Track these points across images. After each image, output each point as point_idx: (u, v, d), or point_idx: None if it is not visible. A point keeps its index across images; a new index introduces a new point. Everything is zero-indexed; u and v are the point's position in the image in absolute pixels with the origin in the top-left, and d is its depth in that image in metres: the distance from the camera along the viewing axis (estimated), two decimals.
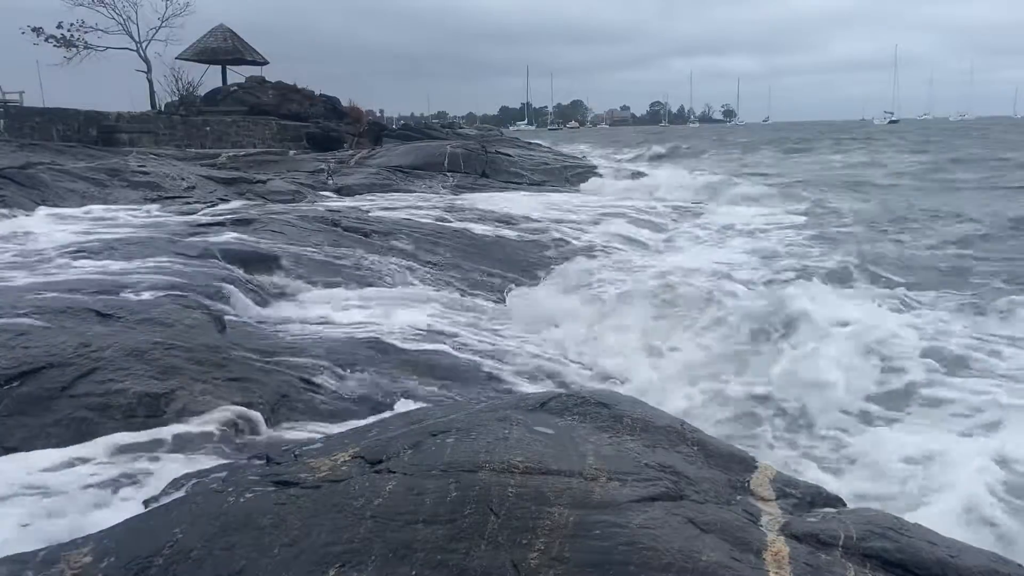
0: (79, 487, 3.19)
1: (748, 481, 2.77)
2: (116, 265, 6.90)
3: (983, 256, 10.52)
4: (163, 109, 28.02)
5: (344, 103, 30.41)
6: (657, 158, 35.52)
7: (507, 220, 12.56)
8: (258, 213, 10.73)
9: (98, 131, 23.19)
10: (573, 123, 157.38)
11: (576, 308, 7.22)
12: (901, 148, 38.35)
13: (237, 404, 4.17)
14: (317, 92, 30.08)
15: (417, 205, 13.73)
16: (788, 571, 2.21)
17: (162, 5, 30.16)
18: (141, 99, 31.21)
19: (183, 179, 14.75)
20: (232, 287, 6.48)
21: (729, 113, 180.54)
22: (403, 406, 4.39)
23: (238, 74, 31.62)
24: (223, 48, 30.63)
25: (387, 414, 4.15)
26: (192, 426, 3.94)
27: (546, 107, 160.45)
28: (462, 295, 7.79)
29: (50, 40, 28.61)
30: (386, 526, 2.31)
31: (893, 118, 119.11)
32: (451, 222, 11.80)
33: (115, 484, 3.25)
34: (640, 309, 6.97)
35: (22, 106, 24.56)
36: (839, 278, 8.99)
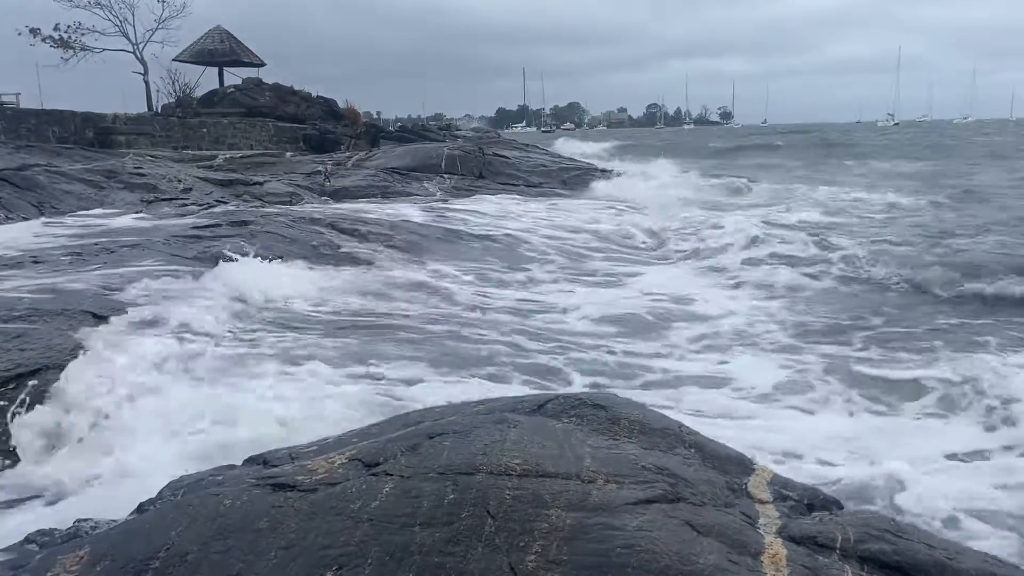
0: (76, 490, 3.18)
1: (746, 483, 2.76)
2: (112, 267, 6.89)
3: None
4: (160, 111, 27.99)
5: (341, 105, 30.39)
6: None
7: None
8: (254, 215, 10.72)
9: (95, 133, 23.14)
10: (569, 125, 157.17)
11: None
12: None
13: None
14: (314, 94, 30.06)
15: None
16: (786, 573, 2.21)
17: (159, 7, 30.17)
18: (138, 101, 31.23)
19: (180, 181, 14.74)
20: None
21: (726, 115, 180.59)
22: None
23: (235, 76, 31.62)
24: (220, 50, 30.60)
25: (384, 416, 4.14)
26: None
27: (542, 109, 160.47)
28: None
29: (47, 41, 28.59)
30: (383, 529, 2.30)
31: (894, 120, 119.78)
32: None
33: (112, 487, 3.24)
34: None
35: (18, 108, 24.51)
36: None
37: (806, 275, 8.96)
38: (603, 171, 22.64)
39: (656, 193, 18.83)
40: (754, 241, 11.02)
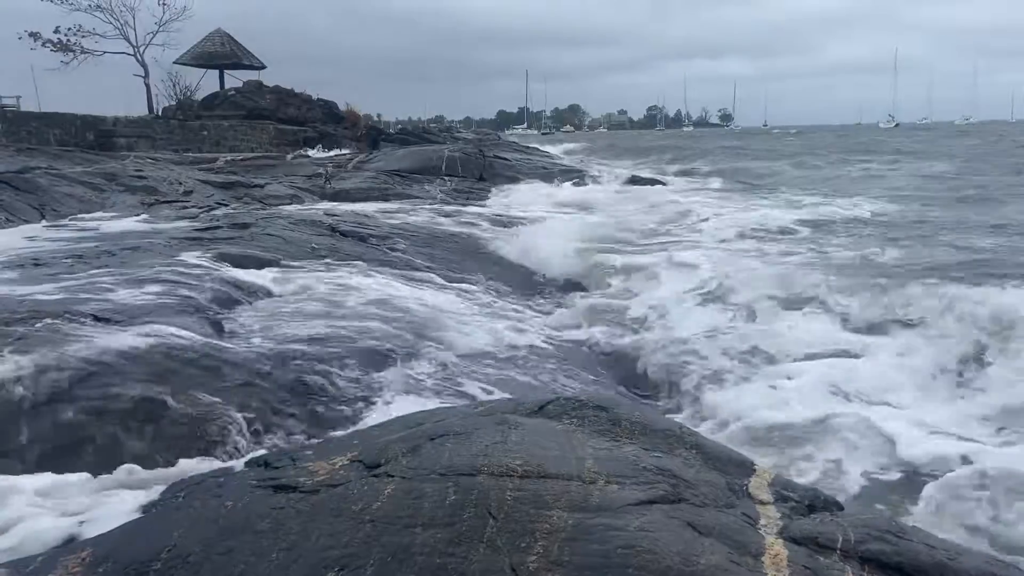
0: (77, 492, 3.18)
1: (746, 484, 2.77)
2: (113, 270, 6.89)
3: None
4: (160, 113, 28.03)
5: (341, 107, 30.43)
6: None
7: None
8: (255, 217, 10.74)
9: (95, 135, 23.19)
10: (568, 127, 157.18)
11: None
12: None
13: (235, 407, 4.17)
14: (315, 96, 30.09)
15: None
16: (787, 574, 2.21)
17: (159, 10, 30.26)
18: (138, 103, 31.28)
19: (180, 183, 14.76)
20: (228, 290, 6.48)
21: (726, 117, 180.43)
22: (400, 403, 4.40)
23: (235, 78, 31.68)
24: (221, 52, 30.67)
25: (385, 418, 4.15)
26: (190, 430, 3.94)
27: (543, 111, 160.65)
28: None
29: (47, 45, 28.68)
30: (384, 530, 2.31)
31: (895, 122, 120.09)
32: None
33: (112, 488, 3.24)
34: None
35: (19, 111, 24.60)
36: None
37: None
38: (596, 172, 22.94)
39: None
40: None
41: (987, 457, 4.11)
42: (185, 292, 6.09)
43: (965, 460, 4.13)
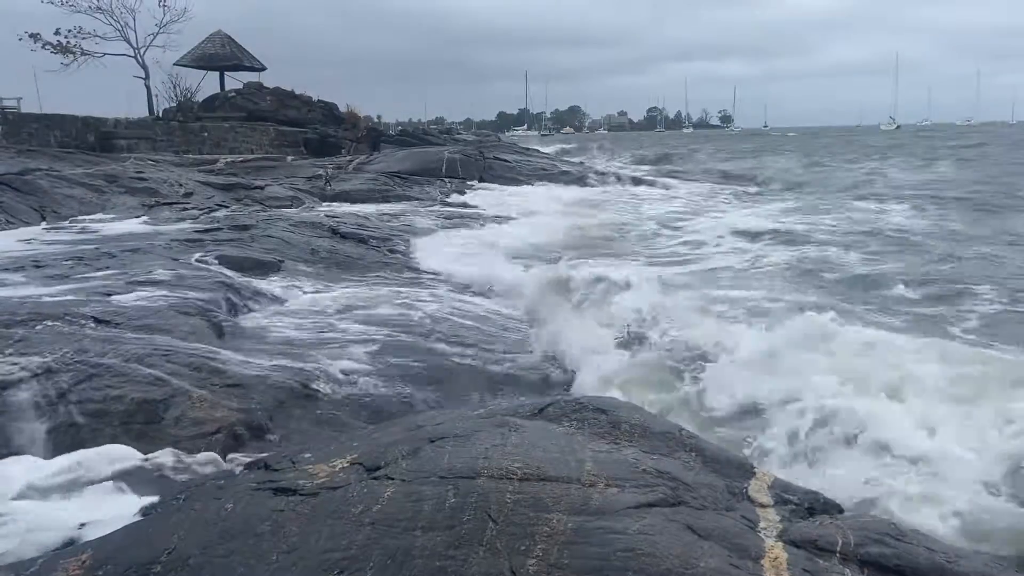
0: (77, 493, 3.18)
1: (746, 487, 2.77)
2: (113, 272, 6.90)
3: None
4: (161, 115, 27.99)
5: (341, 109, 30.38)
6: None
7: None
8: (256, 219, 10.74)
9: (96, 137, 23.18)
10: (568, 129, 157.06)
11: None
12: None
13: (235, 410, 4.17)
14: (315, 98, 30.02)
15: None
16: None
17: (160, 11, 30.24)
18: (139, 105, 31.25)
19: (181, 185, 14.77)
20: (229, 292, 6.48)
21: (726, 119, 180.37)
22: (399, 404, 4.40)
23: (236, 80, 31.59)
24: (221, 54, 30.63)
25: (385, 421, 4.15)
26: (190, 433, 3.94)
27: (543, 112, 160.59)
28: None
29: (47, 46, 28.60)
30: (385, 533, 2.31)
31: (896, 124, 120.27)
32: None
33: (113, 491, 3.24)
34: None
35: (19, 112, 24.58)
36: None
37: None
38: (593, 174, 23.07)
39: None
40: None
41: None
42: (185, 294, 6.09)
43: None
